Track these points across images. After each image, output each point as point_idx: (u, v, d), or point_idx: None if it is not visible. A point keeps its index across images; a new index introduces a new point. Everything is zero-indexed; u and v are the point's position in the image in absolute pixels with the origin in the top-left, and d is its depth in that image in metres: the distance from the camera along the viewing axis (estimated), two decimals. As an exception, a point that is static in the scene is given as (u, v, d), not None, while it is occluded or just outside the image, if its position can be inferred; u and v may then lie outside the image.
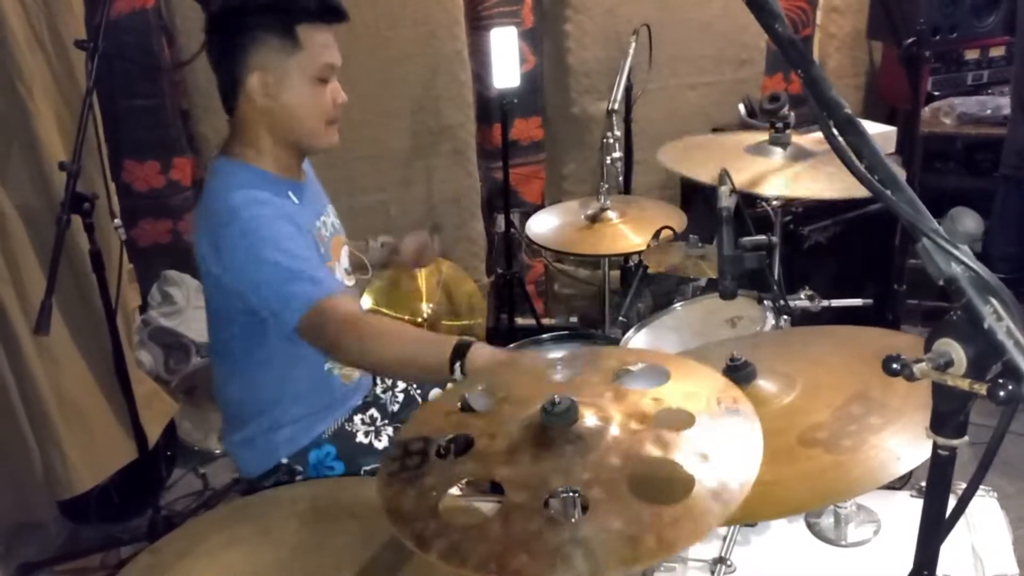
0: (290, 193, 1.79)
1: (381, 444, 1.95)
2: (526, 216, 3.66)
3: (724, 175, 1.75)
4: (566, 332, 2.31)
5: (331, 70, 1.74)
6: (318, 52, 1.70)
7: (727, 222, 1.73)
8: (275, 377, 1.82)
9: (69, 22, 2.50)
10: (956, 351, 0.73)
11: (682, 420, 1.12)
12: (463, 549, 0.94)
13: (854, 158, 0.71)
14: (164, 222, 3.21)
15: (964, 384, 0.72)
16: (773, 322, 1.77)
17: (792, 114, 3.40)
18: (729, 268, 1.72)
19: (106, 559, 2.67)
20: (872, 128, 3.43)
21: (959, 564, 1.44)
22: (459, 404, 1.24)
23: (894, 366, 0.72)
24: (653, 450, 1.06)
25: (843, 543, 1.50)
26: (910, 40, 2.17)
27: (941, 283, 0.74)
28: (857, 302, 2.21)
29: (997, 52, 3.65)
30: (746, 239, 1.73)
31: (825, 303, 2.09)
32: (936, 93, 3.65)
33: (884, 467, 1.11)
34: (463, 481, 1.06)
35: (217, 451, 3.16)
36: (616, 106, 2.52)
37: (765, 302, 1.82)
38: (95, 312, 2.62)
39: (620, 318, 2.09)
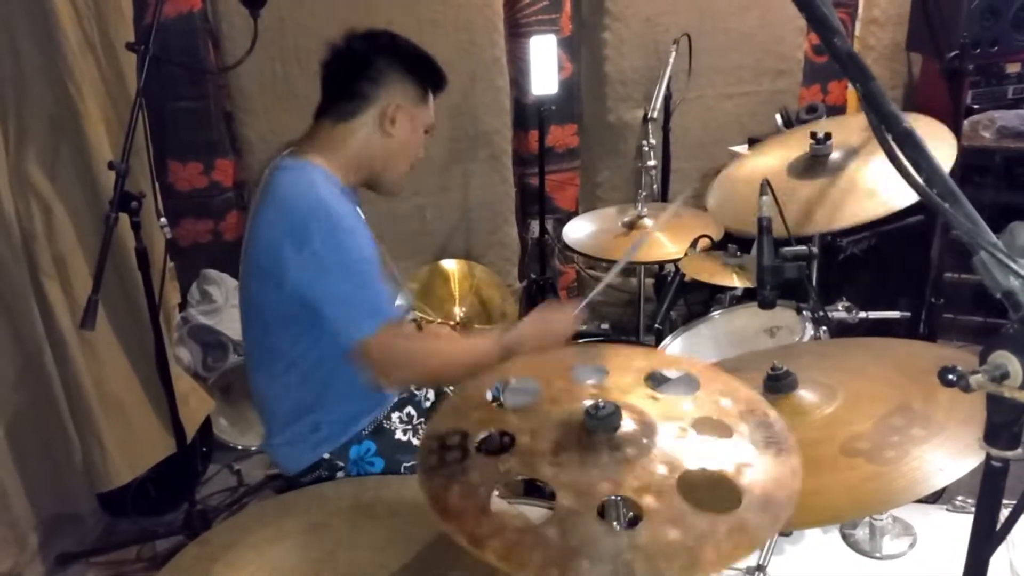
0: (355, 207, 1.84)
1: (419, 440, 1.97)
2: (559, 222, 3.69)
3: (764, 185, 1.76)
4: (601, 338, 2.31)
5: (434, 128, 1.92)
6: (432, 112, 1.90)
7: (767, 232, 1.74)
8: (323, 377, 1.84)
9: (119, 25, 2.56)
10: (1012, 363, 0.74)
11: (720, 432, 1.14)
12: (520, 552, 0.94)
13: (913, 171, 0.72)
14: (205, 222, 3.26)
15: (1020, 396, 0.73)
16: (812, 332, 1.77)
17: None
18: (768, 278, 1.73)
19: (142, 551, 2.70)
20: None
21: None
22: (490, 398, 1.25)
23: (950, 377, 0.73)
24: (697, 460, 1.07)
25: (878, 555, 1.50)
26: (952, 54, 2.16)
27: (998, 296, 0.74)
28: (895, 315, 2.20)
29: (1039, 66, 3.61)
30: (786, 249, 1.74)
31: (863, 315, 2.09)
32: (976, 106, 3.61)
33: (926, 479, 1.12)
34: (511, 479, 1.07)
35: (253, 447, 3.20)
36: (655, 114, 2.52)
37: (804, 313, 1.82)
38: (137, 309, 2.67)
39: (656, 325, 2.10)
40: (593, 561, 0.93)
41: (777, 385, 1.33)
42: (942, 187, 0.73)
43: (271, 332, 1.84)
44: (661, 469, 1.06)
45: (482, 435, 1.13)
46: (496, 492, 1.07)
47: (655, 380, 1.26)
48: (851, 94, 3.93)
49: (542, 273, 3.31)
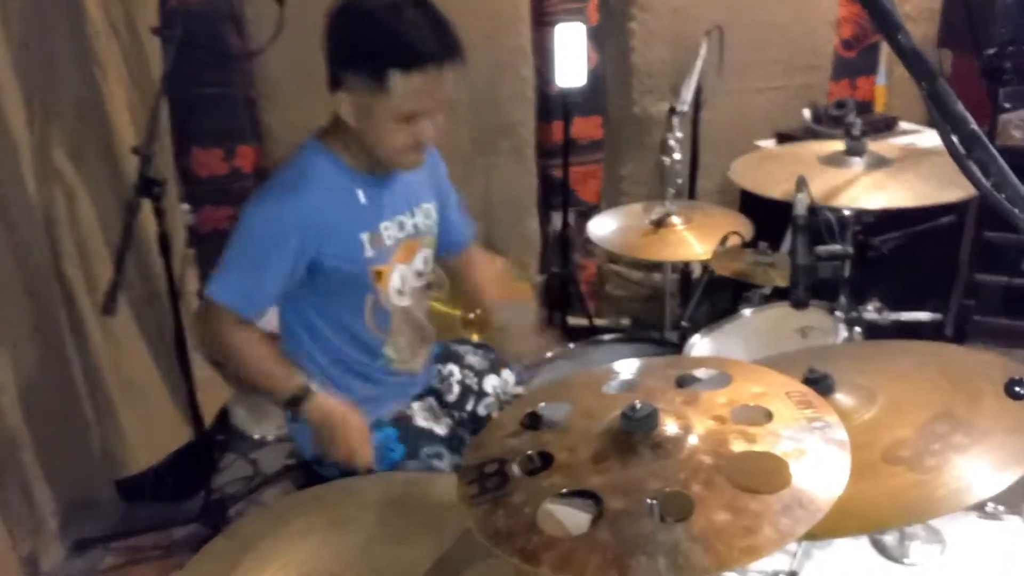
0: (358, 191, 1.80)
1: (441, 430, 1.96)
2: (582, 215, 3.65)
3: (801, 183, 1.72)
4: (629, 335, 2.29)
5: (420, 112, 1.69)
6: (406, 98, 1.65)
7: (802, 230, 1.70)
8: (336, 355, 1.86)
9: (143, 9, 2.54)
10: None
11: (760, 416, 1.12)
12: (577, 558, 0.94)
13: (980, 175, 0.69)
14: (225, 208, 3.24)
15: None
16: (846, 334, 1.74)
17: (859, 121, 3.38)
18: (803, 277, 1.69)
19: (159, 538, 2.71)
20: (939, 139, 3.36)
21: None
22: (521, 423, 1.23)
23: (1017, 390, 0.70)
24: (740, 444, 1.06)
25: (906, 561, 1.47)
26: (991, 51, 2.11)
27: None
28: (925, 316, 2.16)
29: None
30: (821, 248, 1.70)
31: (894, 316, 2.05)
32: (1007, 105, 3.55)
33: (970, 488, 1.08)
34: (557, 493, 1.06)
35: (270, 437, 3.19)
36: (686, 108, 2.48)
37: (836, 313, 1.78)
38: (157, 295, 2.66)
39: (683, 323, 2.06)
40: (650, 556, 0.92)
41: (814, 388, 1.29)
42: (1011, 191, 0.70)
43: (286, 301, 1.86)
44: (706, 459, 1.04)
45: (521, 456, 1.11)
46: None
47: (685, 382, 1.23)
48: (879, 90, 3.87)
49: (564, 266, 3.27)
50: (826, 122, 3.37)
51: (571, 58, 2.95)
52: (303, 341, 1.88)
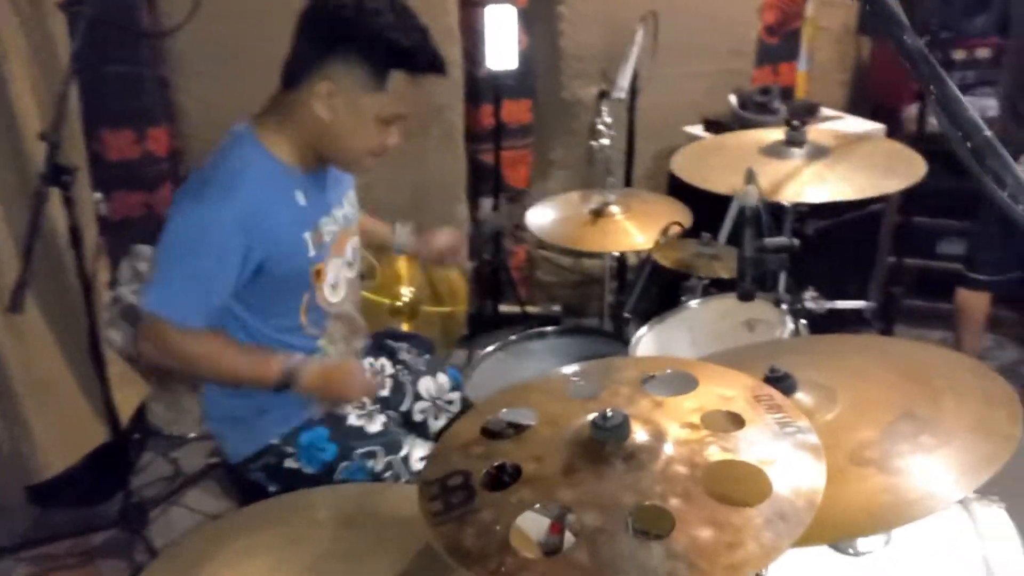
0: (297, 192, 1.71)
1: (373, 428, 1.89)
2: (511, 201, 3.61)
3: (750, 175, 1.71)
4: (570, 327, 2.25)
5: (399, 117, 1.68)
6: (396, 100, 1.63)
7: (750, 223, 1.69)
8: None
9: (46, -17, 2.37)
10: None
11: (731, 421, 1.09)
12: None
13: (995, 186, 0.66)
14: (137, 194, 3.08)
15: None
16: (792, 327, 1.73)
17: (783, 107, 3.42)
18: (750, 270, 1.68)
19: (75, 545, 2.57)
20: (861, 126, 3.43)
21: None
22: (483, 431, 1.17)
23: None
24: (715, 453, 1.03)
25: (852, 552, 1.48)
26: (925, 39, 2.13)
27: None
28: (860, 304, 2.19)
29: (983, 54, 3.66)
30: (769, 240, 1.69)
31: (830, 305, 2.06)
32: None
33: (944, 490, 1.08)
34: (529, 510, 1.00)
35: (192, 435, 3.06)
36: (623, 95, 2.44)
37: (783, 305, 1.78)
38: (68, 289, 2.51)
39: (625, 314, 2.04)
40: (633, 576, 0.88)
41: (776, 388, 1.27)
42: None
43: None
44: (681, 469, 1.01)
45: (485, 471, 1.06)
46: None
47: (651, 385, 1.20)
48: (800, 76, 3.92)
49: (497, 253, 3.22)
50: (751, 108, 3.40)
51: (502, 40, 2.88)
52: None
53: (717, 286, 2.15)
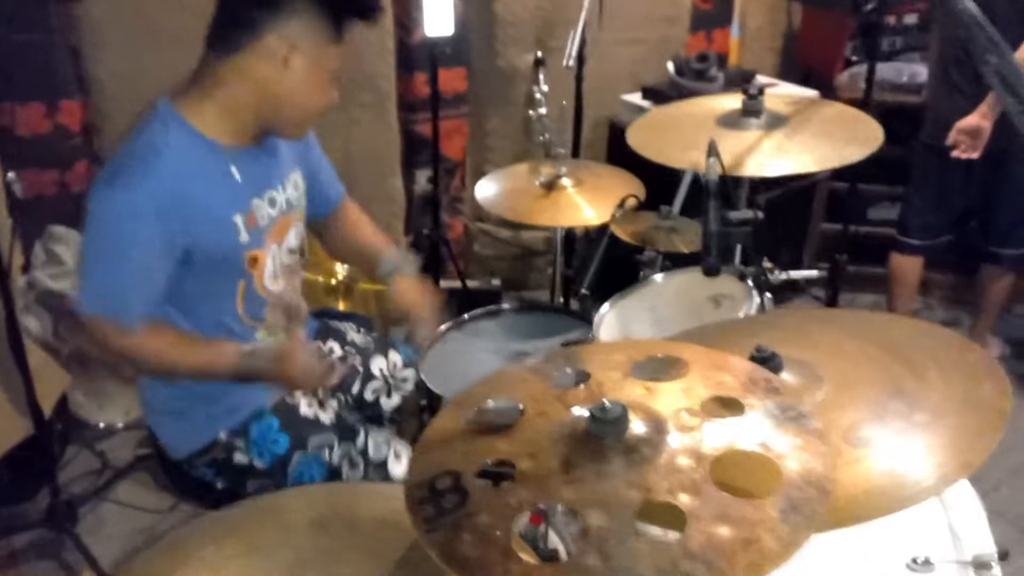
0: (231, 167, 1.59)
1: (327, 417, 1.81)
2: (447, 172, 3.51)
3: (712, 148, 1.67)
4: (527, 304, 2.19)
5: (341, 72, 1.61)
6: (344, 52, 1.57)
7: (715, 196, 1.65)
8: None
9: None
10: None
11: (731, 407, 1.05)
12: None
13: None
14: (50, 172, 2.89)
15: None
16: (758, 301, 1.71)
17: (721, 75, 3.40)
18: (715, 243, 1.64)
19: (-2, 547, 2.42)
20: (796, 93, 3.43)
21: (938, 545, 1.43)
22: (467, 425, 1.10)
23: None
24: (719, 442, 0.98)
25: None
26: (870, 6, 2.13)
27: None
28: (813, 273, 2.19)
29: (911, 19, 3.70)
30: (734, 214, 1.66)
31: (784, 276, 2.05)
32: (854, 59, 3.68)
33: (949, 470, 1.05)
34: (531, 513, 0.94)
35: (119, 424, 2.90)
36: (572, 62, 2.37)
37: (747, 279, 1.75)
38: (-22, 275, 2.32)
39: (583, 291, 1.98)
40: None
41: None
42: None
43: None
44: (686, 462, 0.96)
45: (476, 470, 0.99)
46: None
47: (640, 370, 1.15)
48: (733, 43, 3.91)
49: (436, 227, 3.12)
50: (689, 75, 3.37)
51: (438, 5, 2.77)
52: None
53: (671, 260, 2.12)
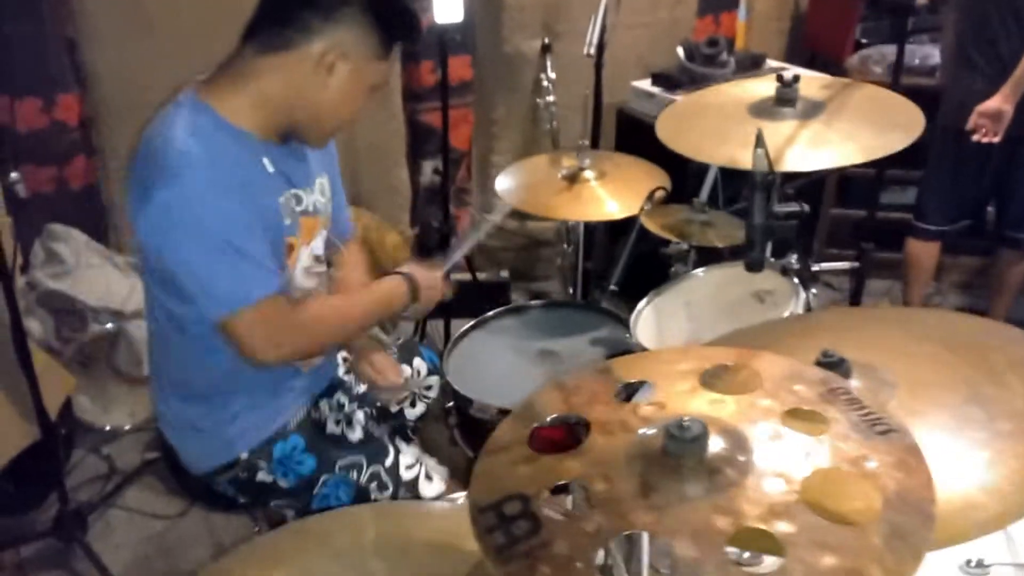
0: (264, 159, 1.52)
1: (354, 435, 1.74)
2: (453, 163, 3.43)
3: (759, 138, 1.60)
4: (551, 302, 2.12)
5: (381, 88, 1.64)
6: (387, 71, 1.59)
7: (759, 188, 1.58)
8: (226, 357, 1.54)
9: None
10: None
11: (815, 422, 0.98)
12: None
13: None
14: (48, 169, 2.80)
15: None
16: (804, 297, 1.64)
17: (732, 59, 3.33)
18: (760, 238, 1.59)
19: (5, 558, 2.35)
20: (813, 76, 3.36)
21: (992, 548, 1.38)
22: (529, 443, 1.04)
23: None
24: (808, 462, 0.91)
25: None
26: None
27: None
28: (844, 265, 2.12)
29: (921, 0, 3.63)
30: (778, 207, 1.59)
31: (815, 268, 1.99)
32: (864, 41, 3.62)
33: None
34: (613, 541, 0.88)
35: (127, 427, 2.83)
36: (592, 50, 2.30)
37: (791, 274, 1.68)
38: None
39: (611, 287, 1.92)
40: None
41: (830, 374, 1.18)
42: None
43: (167, 293, 1.54)
44: (777, 485, 0.89)
45: (547, 494, 0.92)
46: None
47: (711, 379, 1.08)
48: (740, 26, 3.84)
49: (445, 218, 3.05)
50: (699, 60, 3.29)
51: (447, -8, 2.68)
52: (184, 349, 1.59)
53: (698, 254, 2.05)
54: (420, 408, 1.96)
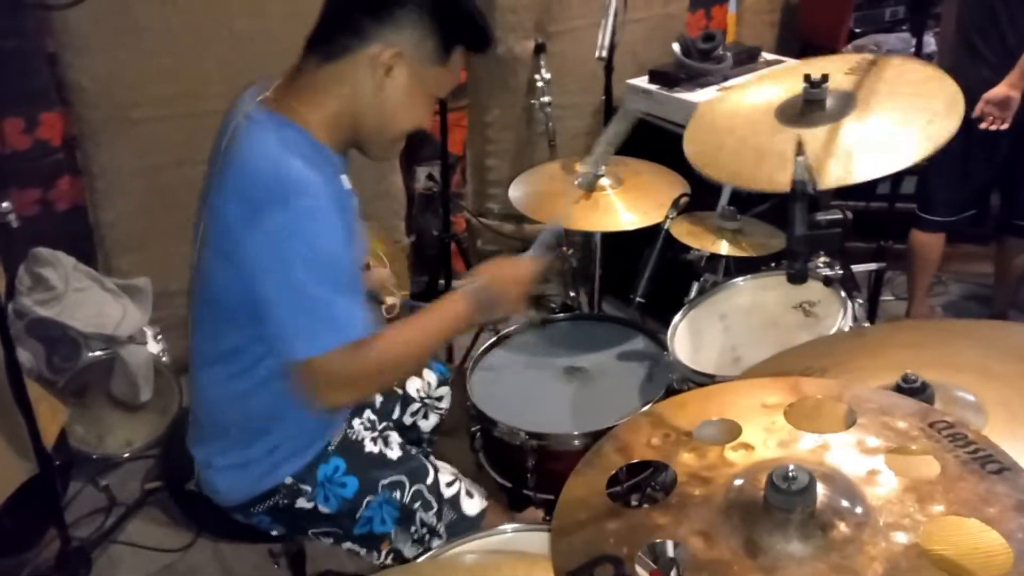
0: (342, 176, 1.46)
1: (393, 454, 1.67)
2: (448, 168, 3.34)
3: (799, 146, 1.54)
4: (573, 315, 2.05)
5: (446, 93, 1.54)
6: (452, 77, 1.49)
7: (800, 197, 1.52)
8: (285, 389, 1.44)
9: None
10: None
11: (925, 464, 0.92)
12: None
13: None
14: (31, 191, 2.68)
15: None
16: (852, 308, 1.58)
17: (729, 54, 3.27)
18: (802, 248, 1.53)
19: (4, 602, 2.25)
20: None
21: None
22: (610, 494, 0.97)
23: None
24: (924, 510, 0.85)
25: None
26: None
27: None
28: (872, 267, 2.07)
29: (912, -12, 3.61)
30: (820, 215, 1.53)
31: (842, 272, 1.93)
32: (858, 30, 3.58)
33: None
34: None
35: (125, 454, 2.72)
36: (603, 53, 2.22)
37: (835, 284, 1.63)
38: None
39: (637, 299, 1.85)
40: None
41: (913, 401, 1.12)
42: None
43: (231, 325, 1.46)
44: (897, 538, 0.83)
45: (639, 554, 0.85)
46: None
47: (798, 415, 1.02)
48: (731, 18, 3.79)
49: (446, 228, 2.96)
50: (696, 56, 3.22)
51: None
52: (241, 356, 1.50)
53: (728, 263, 1.99)
54: (433, 420, 1.91)
